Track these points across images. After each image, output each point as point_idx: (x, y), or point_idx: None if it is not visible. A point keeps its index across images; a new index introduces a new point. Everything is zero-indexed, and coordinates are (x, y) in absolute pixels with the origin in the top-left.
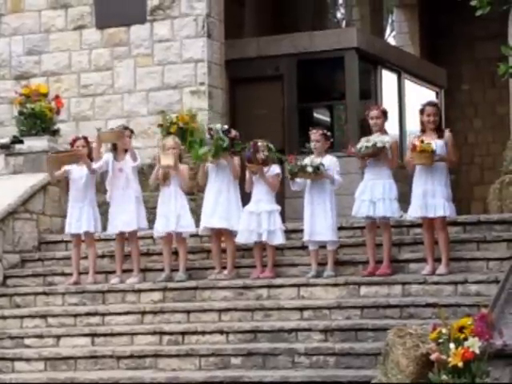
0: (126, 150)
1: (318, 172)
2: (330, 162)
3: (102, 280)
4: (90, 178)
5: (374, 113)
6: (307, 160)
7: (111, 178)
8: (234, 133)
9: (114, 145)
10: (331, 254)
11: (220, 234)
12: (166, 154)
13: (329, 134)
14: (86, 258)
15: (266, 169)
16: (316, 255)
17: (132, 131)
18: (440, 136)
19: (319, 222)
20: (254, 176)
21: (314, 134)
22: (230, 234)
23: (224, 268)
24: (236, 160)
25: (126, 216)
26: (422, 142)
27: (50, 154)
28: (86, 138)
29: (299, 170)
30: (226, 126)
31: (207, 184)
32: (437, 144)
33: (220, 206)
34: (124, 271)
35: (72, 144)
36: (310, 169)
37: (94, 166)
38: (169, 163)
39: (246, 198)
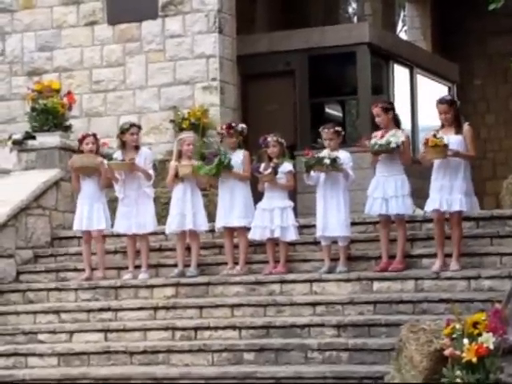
0: (136, 148)
1: (334, 165)
2: (343, 157)
3: (114, 276)
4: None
5: (374, 111)
6: (324, 153)
7: (124, 177)
8: (240, 128)
9: (123, 142)
10: (343, 250)
11: (233, 229)
12: (183, 166)
13: (340, 129)
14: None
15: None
16: (329, 251)
17: (140, 127)
18: (458, 132)
19: (332, 218)
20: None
21: (326, 133)
22: (244, 229)
23: (236, 264)
24: (246, 158)
25: (140, 218)
26: (435, 136)
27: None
28: (95, 135)
29: (316, 162)
30: (233, 124)
31: (220, 182)
32: (451, 140)
33: (236, 204)
34: (136, 267)
35: (81, 141)
36: (327, 161)
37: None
38: (187, 172)
39: (260, 195)
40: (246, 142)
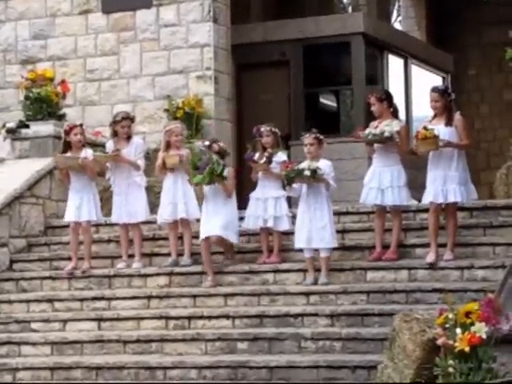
0: (128, 138)
1: (315, 176)
2: (324, 166)
3: (108, 265)
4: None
5: (370, 100)
6: (304, 164)
7: (114, 166)
8: (216, 147)
9: (115, 132)
10: (325, 261)
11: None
12: (170, 156)
13: (322, 137)
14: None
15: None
16: (312, 262)
17: (132, 119)
18: (448, 123)
19: (316, 229)
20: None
21: (307, 138)
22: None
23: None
24: (231, 174)
25: (130, 207)
26: (425, 128)
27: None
28: (81, 125)
29: (296, 174)
30: (207, 142)
31: (204, 198)
32: (441, 131)
33: (217, 217)
34: (130, 256)
35: (68, 132)
36: (307, 172)
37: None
38: (174, 162)
39: (254, 185)
40: (241, 131)
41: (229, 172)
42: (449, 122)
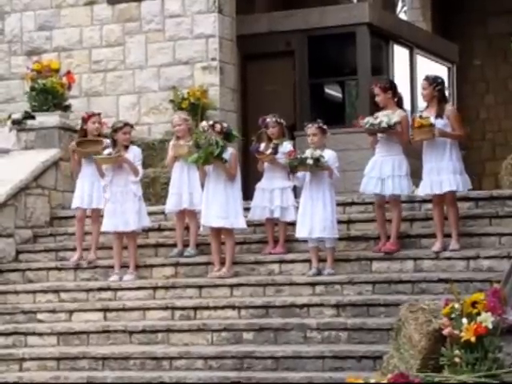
0: (126, 147)
1: (318, 164)
2: (329, 156)
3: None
4: None
5: (374, 90)
6: (308, 152)
7: (111, 174)
8: (219, 127)
9: (114, 140)
10: (330, 252)
11: (219, 230)
12: (179, 146)
13: (325, 127)
14: (89, 233)
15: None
16: (316, 252)
17: (132, 126)
18: (438, 114)
19: (319, 219)
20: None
21: (310, 129)
22: (230, 231)
23: (223, 264)
24: (233, 156)
25: (125, 216)
26: (421, 117)
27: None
28: (99, 115)
29: (299, 163)
30: (210, 122)
31: (206, 181)
32: (436, 121)
33: (216, 204)
34: (139, 246)
35: (86, 120)
36: (310, 161)
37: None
38: (181, 153)
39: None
40: (246, 122)
41: (231, 154)
42: (439, 114)
